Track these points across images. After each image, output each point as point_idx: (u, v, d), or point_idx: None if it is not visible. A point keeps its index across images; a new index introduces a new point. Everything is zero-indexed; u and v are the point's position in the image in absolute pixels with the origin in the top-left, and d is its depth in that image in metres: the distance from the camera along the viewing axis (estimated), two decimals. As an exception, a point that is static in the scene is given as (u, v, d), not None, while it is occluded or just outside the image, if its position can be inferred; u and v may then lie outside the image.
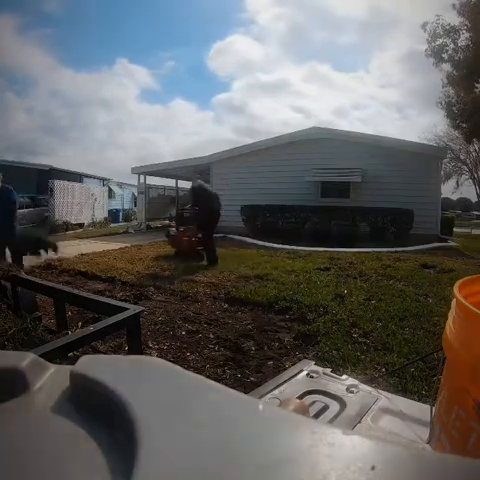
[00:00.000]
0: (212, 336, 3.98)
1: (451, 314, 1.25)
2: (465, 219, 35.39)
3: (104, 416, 0.31)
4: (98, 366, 0.36)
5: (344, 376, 2.12)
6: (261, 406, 0.30)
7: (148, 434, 0.27)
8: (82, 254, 9.00)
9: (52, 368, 0.38)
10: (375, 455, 0.25)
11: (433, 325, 4.02)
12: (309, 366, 2.17)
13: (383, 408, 1.72)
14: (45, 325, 3.06)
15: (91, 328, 2.06)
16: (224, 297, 5.47)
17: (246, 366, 3.30)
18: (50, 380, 0.36)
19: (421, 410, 1.70)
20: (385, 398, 1.84)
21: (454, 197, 46.41)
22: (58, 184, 17.89)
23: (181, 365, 0.37)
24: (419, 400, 1.98)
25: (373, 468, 0.23)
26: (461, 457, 0.25)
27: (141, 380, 0.33)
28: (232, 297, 5.42)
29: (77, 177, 20.54)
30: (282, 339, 3.92)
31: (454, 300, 1.23)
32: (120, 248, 10.24)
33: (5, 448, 0.29)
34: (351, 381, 2.04)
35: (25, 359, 0.36)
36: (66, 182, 18.57)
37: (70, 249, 9.36)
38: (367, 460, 0.24)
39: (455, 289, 1.19)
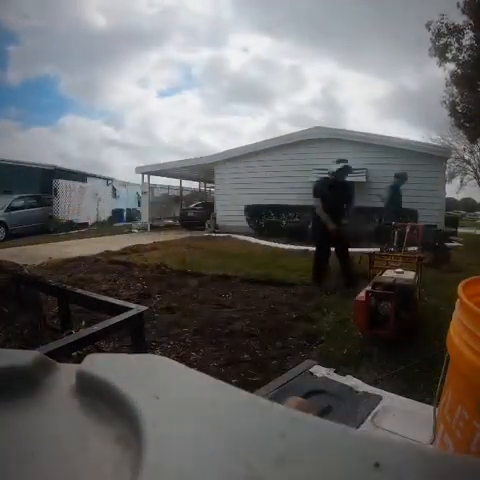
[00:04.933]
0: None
1: (455, 314, 1.25)
2: (469, 219, 35.27)
3: (111, 413, 0.32)
4: (104, 364, 0.36)
5: (347, 376, 2.13)
6: (265, 404, 0.30)
7: (154, 430, 0.27)
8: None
9: (58, 366, 0.38)
10: (379, 452, 0.25)
11: (437, 327, 4.00)
12: (313, 366, 2.18)
13: (386, 408, 1.73)
14: (49, 324, 3.08)
15: (95, 327, 2.06)
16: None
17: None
18: (56, 378, 0.37)
19: (424, 410, 1.70)
20: (388, 398, 1.85)
21: (458, 197, 46.23)
22: (62, 184, 17.96)
23: (185, 363, 0.37)
24: (422, 401, 1.98)
25: (377, 465, 0.23)
26: (465, 455, 0.25)
27: (146, 378, 0.34)
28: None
29: (81, 177, 20.57)
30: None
31: (458, 300, 1.23)
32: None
33: (13, 446, 0.30)
34: (354, 381, 2.04)
35: (31, 357, 0.36)
36: (70, 182, 18.64)
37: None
38: (371, 457, 0.24)
39: (459, 290, 1.19)
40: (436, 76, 50.59)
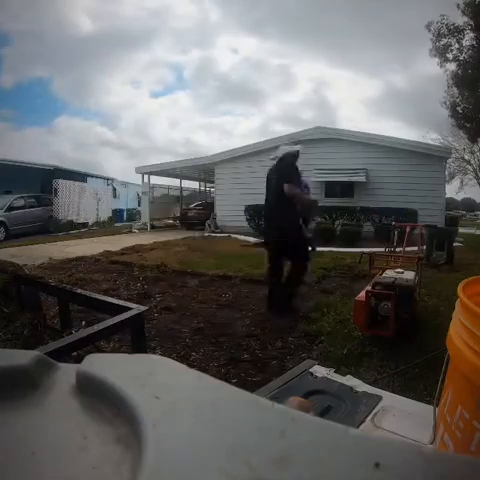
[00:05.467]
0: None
1: (455, 314, 1.25)
2: (469, 219, 35.31)
3: (111, 413, 0.32)
4: (104, 364, 0.36)
5: (347, 376, 2.12)
6: (265, 404, 0.30)
7: (154, 430, 0.27)
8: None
9: (58, 367, 0.38)
10: (379, 452, 0.25)
11: (437, 327, 4.01)
12: (312, 366, 2.18)
13: (386, 408, 1.72)
14: (49, 324, 3.08)
15: (95, 327, 2.06)
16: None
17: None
18: (57, 378, 0.37)
19: (424, 410, 1.70)
20: (388, 398, 1.84)
21: (458, 197, 46.34)
22: (62, 184, 17.95)
23: (185, 363, 0.37)
24: (422, 400, 1.98)
25: (377, 465, 0.23)
26: (465, 456, 0.25)
27: (146, 378, 0.34)
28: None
29: (81, 177, 20.57)
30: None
31: (458, 300, 1.22)
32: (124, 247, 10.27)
33: (13, 446, 0.30)
34: (354, 381, 2.04)
35: (31, 358, 0.36)
36: (70, 182, 18.64)
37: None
38: (371, 457, 0.24)
39: (459, 289, 1.19)
40: (427, 74, 50.72)
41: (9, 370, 0.35)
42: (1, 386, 0.34)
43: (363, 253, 5.09)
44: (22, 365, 0.35)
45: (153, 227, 17.91)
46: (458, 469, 0.24)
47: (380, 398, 1.83)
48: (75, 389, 0.35)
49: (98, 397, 0.33)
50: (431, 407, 1.54)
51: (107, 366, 0.36)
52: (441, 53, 16.76)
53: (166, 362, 0.37)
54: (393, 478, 0.23)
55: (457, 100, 17.54)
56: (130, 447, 0.28)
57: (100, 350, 2.90)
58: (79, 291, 2.86)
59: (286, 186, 4.43)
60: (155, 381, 0.33)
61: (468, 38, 16.20)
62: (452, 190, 32.90)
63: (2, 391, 0.34)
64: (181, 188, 23.04)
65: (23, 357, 0.37)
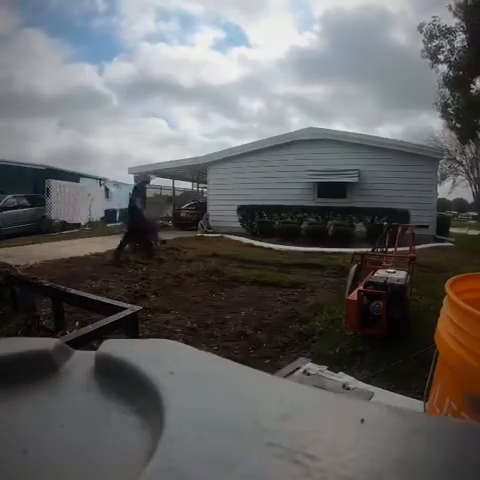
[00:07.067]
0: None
1: (443, 311, 1.29)
2: (461, 220, 35.59)
3: (131, 389, 0.35)
4: (120, 347, 0.40)
5: (340, 373, 2.17)
6: (265, 375, 0.34)
7: (172, 400, 0.31)
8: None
9: (76, 352, 0.42)
10: (364, 411, 0.29)
11: (429, 326, 4.04)
12: (306, 364, 2.22)
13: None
14: (43, 325, 3.08)
15: (90, 327, 2.07)
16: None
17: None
18: (75, 362, 0.40)
19: (415, 405, 1.75)
20: (379, 394, 1.89)
21: (450, 198, 46.65)
22: (54, 184, 17.85)
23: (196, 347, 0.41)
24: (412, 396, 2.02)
25: (362, 421, 0.27)
26: (440, 416, 0.29)
27: (161, 357, 0.37)
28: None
29: (74, 177, 20.47)
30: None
31: (446, 297, 1.27)
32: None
33: (38, 425, 0.33)
34: (347, 378, 2.09)
35: (52, 344, 0.40)
36: (62, 182, 18.53)
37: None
38: (357, 414, 0.28)
39: (447, 287, 1.24)
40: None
41: (32, 354, 0.39)
42: (27, 368, 0.37)
43: (355, 253, 5.13)
44: (44, 350, 0.39)
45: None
46: (431, 424, 0.28)
47: (372, 394, 1.87)
48: (94, 371, 0.38)
49: (117, 375, 0.36)
50: (421, 402, 1.59)
51: (123, 348, 0.39)
52: (432, 54, 16.88)
53: (176, 344, 0.41)
54: (376, 430, 0.27)
55: (448, 101, 17.66)
56: (149, 417, 0.32)
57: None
58: (73, 291, 2.87)
59: None
60: (168, 359, 0.37)
61: (459, 39, 16.34)
62: (444, 191, 33.15)
63: (28, 372, 0.37)
64: (173, 188, 22.97)
65: (44, 343, 0.40)
